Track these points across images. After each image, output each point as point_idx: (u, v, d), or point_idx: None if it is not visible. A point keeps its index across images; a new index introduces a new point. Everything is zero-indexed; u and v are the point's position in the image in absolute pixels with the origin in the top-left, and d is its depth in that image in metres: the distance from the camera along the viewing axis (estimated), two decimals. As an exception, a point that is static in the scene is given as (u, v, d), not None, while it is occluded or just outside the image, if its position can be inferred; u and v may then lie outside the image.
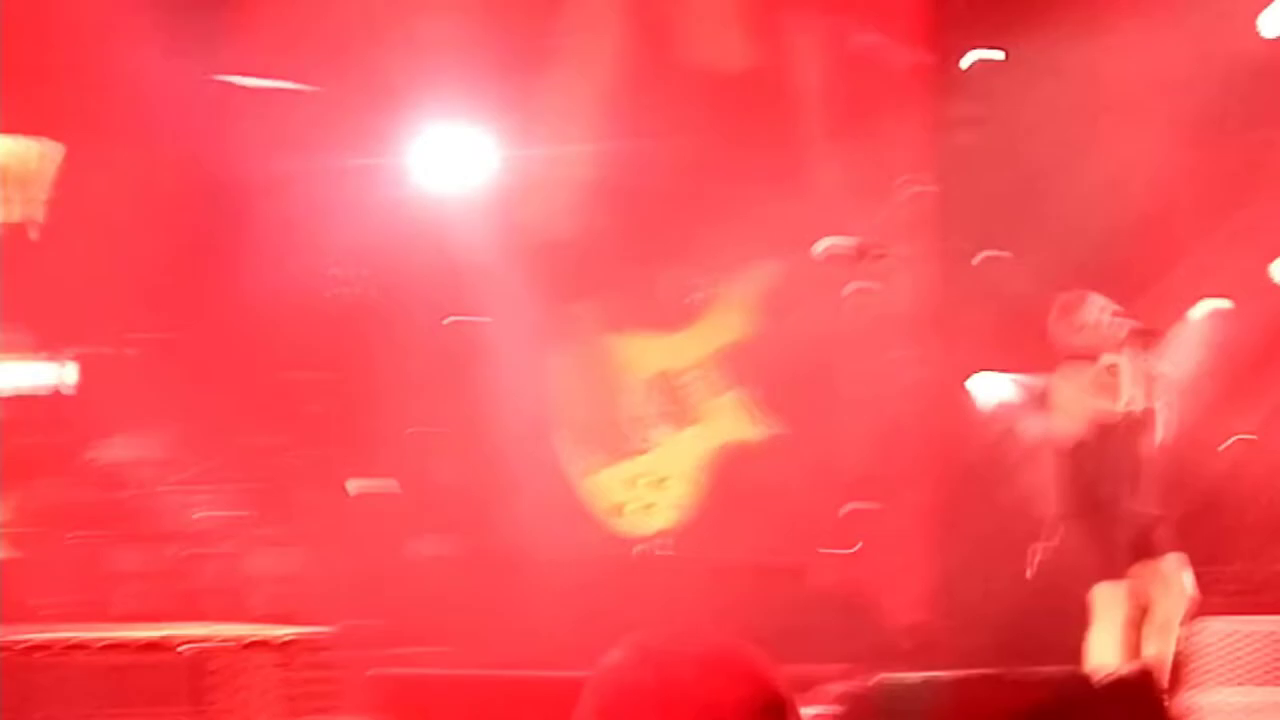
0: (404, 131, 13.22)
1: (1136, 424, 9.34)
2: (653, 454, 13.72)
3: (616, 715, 1.89)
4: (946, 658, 10.44)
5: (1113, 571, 8.87)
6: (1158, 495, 9.10)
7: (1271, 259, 12.99)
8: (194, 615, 9.67)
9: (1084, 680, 5.94)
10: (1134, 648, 8.61)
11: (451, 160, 13.31)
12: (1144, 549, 8.92)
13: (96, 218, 11.94)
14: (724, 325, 13.94)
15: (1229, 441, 13.21)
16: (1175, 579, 8.89)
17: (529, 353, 13.48)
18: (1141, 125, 12.96)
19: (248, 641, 5.97)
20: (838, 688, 7.29)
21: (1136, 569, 8.91)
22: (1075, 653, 9.20)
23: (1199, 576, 12.65)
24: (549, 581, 12.46)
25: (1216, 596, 12.09)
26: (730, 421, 13.81)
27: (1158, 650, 8.67)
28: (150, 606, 10.80)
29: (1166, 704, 6.35)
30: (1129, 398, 8.94)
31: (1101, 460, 8.96)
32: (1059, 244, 12.61)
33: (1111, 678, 6.20)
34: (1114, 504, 8.97)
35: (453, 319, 13.55)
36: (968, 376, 13.32)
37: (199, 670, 5.99)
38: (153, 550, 11.28)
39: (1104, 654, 8.59)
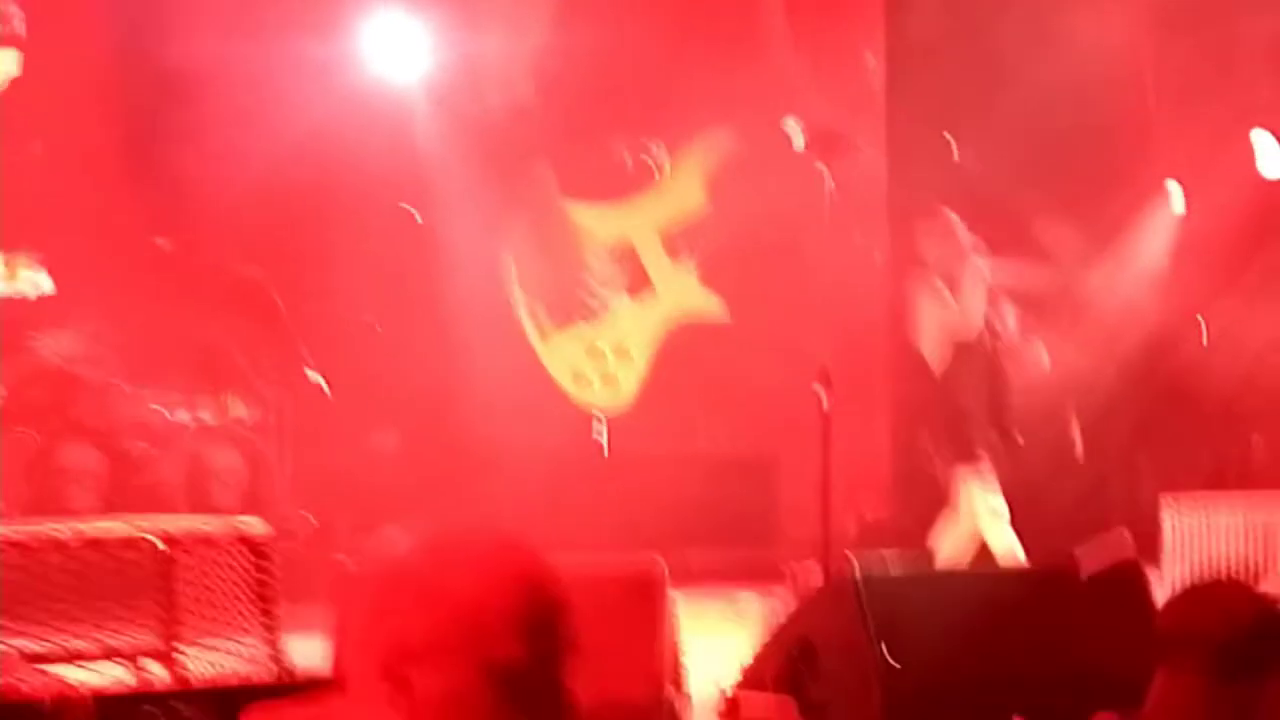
0: (349, 19, 12.98)
1: (993, 347, 9.37)
2: (613, 323, 13.71)
3: (388, 605, 1.93)
4: (912, 541, 10.42)
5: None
6: (1010, 419, 9.23)
7: (1248, 146, 12.95)
8: (153, 510, 9.51)
9: (1070, 574, 5.91)
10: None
11: (398, 46, 13.10)
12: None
13: (44, 112, 11.71)
14: (680, 194, 13.85)
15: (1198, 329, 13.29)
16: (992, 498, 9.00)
17: (486, 227, 13.36)
18: (1107, 15, 12.85)
19: (216, 534, 5.85)
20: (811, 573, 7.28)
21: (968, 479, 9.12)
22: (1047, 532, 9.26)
23: (1170, 461, 12.81)
24: (511, 469, 12.44)
25: (1185, 478, 12.21)
26: (687, 292, 13.78)
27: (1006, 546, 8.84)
28: (108, 503, 10.67)
29: (1150, 593, 6.33)
30: (976, 321, 8.90)
31: (961, 380, 9.01)
32: (1018, 135, 12.54)
33: (1097, 571, 6.18)
34: (968, 422, 9.05)
35: (405, 205, 13.38)
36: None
37: (168, 564, 5.88)
38: (107, 446, 11.10)
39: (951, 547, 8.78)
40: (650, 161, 13.80)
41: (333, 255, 13.12)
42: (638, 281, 13.88)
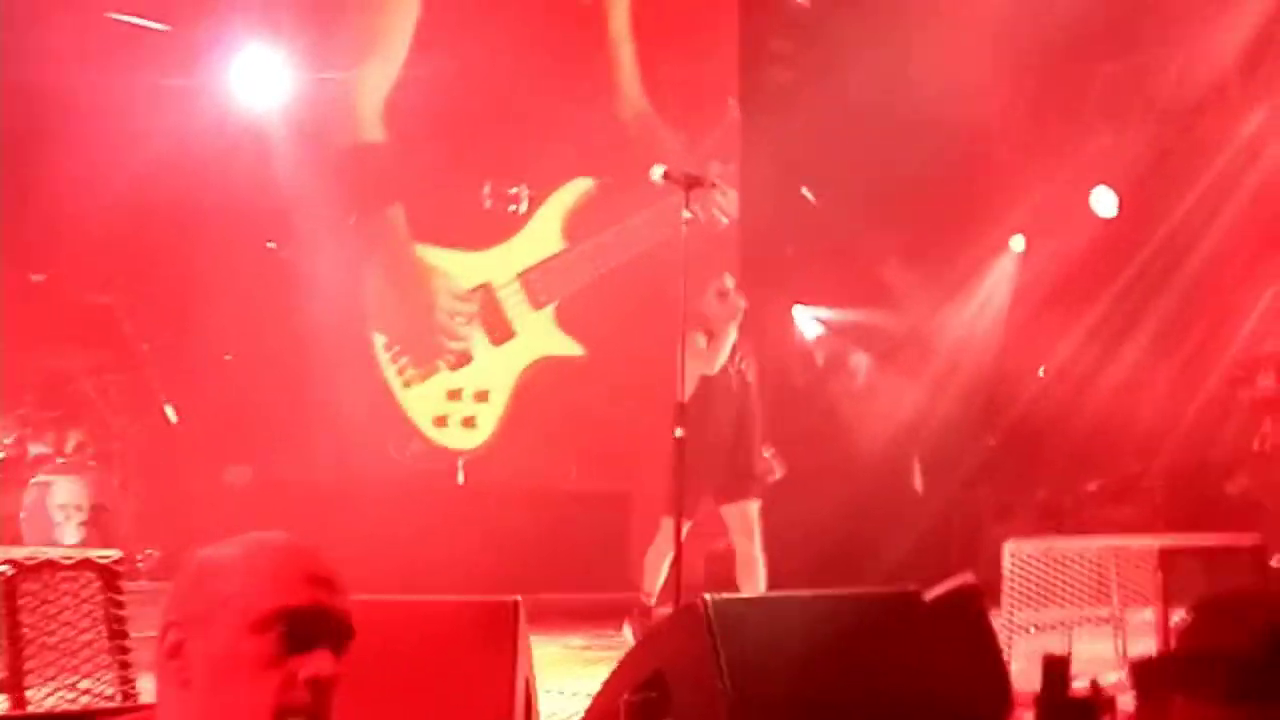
0: (213, 52, 12.92)
1: (738, 384, 9.99)
2: (473, 366, 13.74)
3: (200, 579, 2.20)
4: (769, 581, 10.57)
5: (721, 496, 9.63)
6: (756, 445, 9.86)
7: (1089, 190, 13.35)
8: (4, 541, 9.35)
9: (914, 597, 6.05)
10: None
11: (260, 80, 13.06)
12: (737, 491, 9.63)
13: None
14: (541, 239, 13.95)
15: (1038, 372, 13.63)
16: (755, 521, 9.64)
17: (345, 267, 13.35)
18: (959, 59, 13.17)
19: (62, 562, 5.77)
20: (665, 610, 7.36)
21: (728, 508, 9.68)
22: (889, 573, 9.47)
23: (1011, 503, 13.13)
24: (368, 504, 12.36)
25: (1025, 520, 12.52)
26: (546, 336, 13.87)
27: (752, 579, 9.52)
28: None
29: (987, 617, 6.52)
30: (720, 363, 9.63)
31: (708, 412, 9.48)
32: (874, 181, 12.80)
33: (939, 593, 6.34)
34: (717, 449, 9.57)
35: (269, 242, 13.31)
36: (782, 307, 13.53)
37: (12, 592, 5.78)
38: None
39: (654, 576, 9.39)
40: (513, 205, 13.89)
41: (191, 285, 13.00)
42: (497, 325, 13.93)
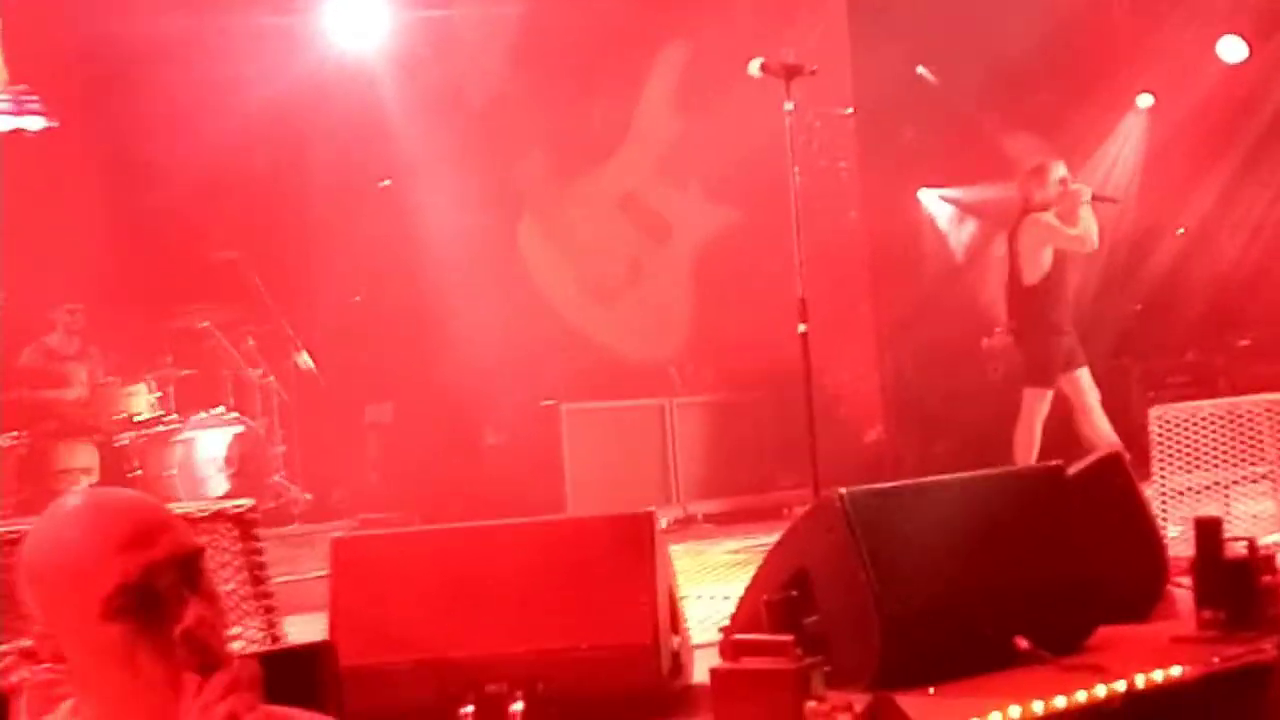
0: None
1: (1078, 263, 10.27)
2: (647, 273, 13.74)
3: (31, 586, 2.10)
4: (908, 468, 10.45)
5: (1045, 380, 9.65)
6: (1074, 317, 10.02)
7: (1211, 44, 12.89)
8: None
9: (1058, 471, 5.88)
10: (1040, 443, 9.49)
11: (361, 19, 12.98)
12: (1070, 362, 9.72)
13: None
14: (656, 125, 13.82)
15: (1178, 232, 13.25)
16: (1090, 382, 9.76)
17: (460, 197, 13.31)
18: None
19: (201, 516, 5.81)
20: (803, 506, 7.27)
21: (1063, 378, 9.73)
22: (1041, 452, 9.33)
23: (1161, 368, 12.84)
24: (509, 433, 12.43)
25: (1176, 384, 12.21)
26: (702, 215, 13.79)
27: (1105, 434, 9.46)
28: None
29: (1135, 484, 6.33)
30: (1089, 244, 9.69)
31: (1053, 294, 9.72)
32: (986, 56, 12.48)
33: (1083, 466, 6.17)
34: (1057, 327, 9.72)
35: (384, 182, 13.31)
36: (905, 192, 13.29)
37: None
38: (98, 441, 11.05)
39: (1025, 449, 9.46)
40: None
41: (309, 230, 13.07)
42: (654, 224, 13.86)
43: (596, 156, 13.82)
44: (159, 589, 2.04)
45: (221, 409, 11.67)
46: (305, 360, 12.23)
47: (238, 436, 11.58)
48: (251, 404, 12.01)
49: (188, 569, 2.08)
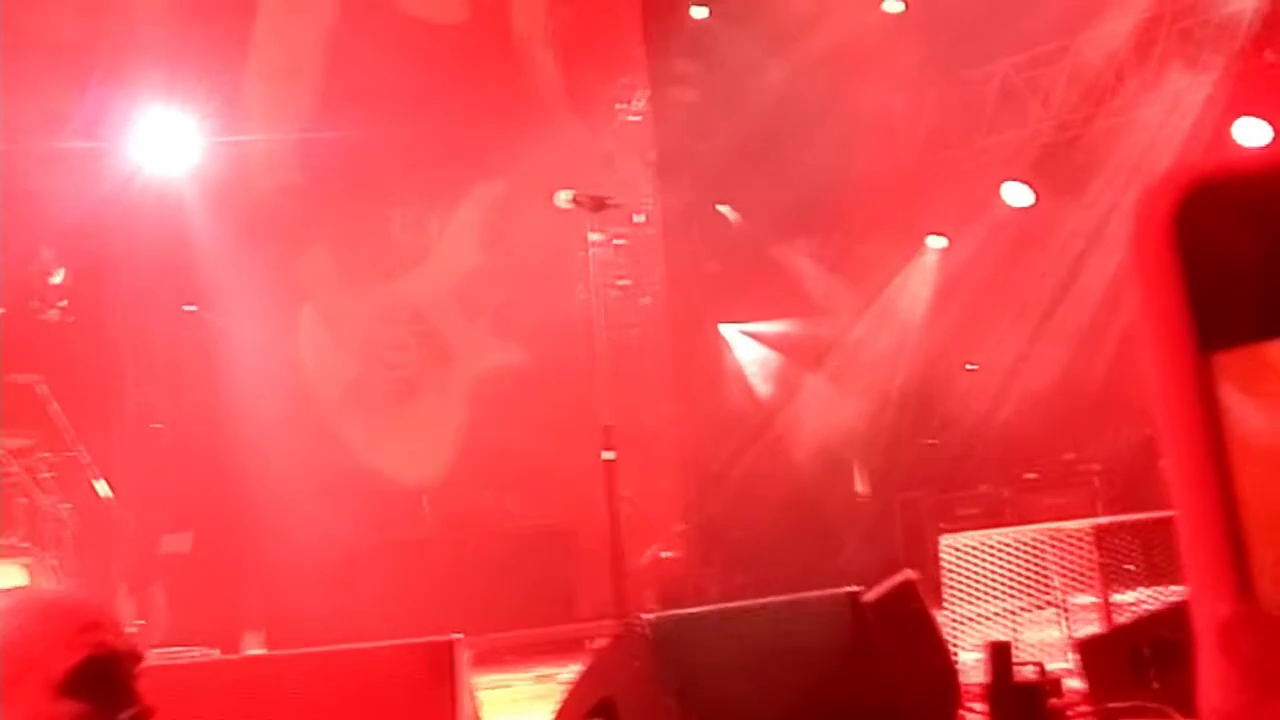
0: (117, 115, 12.78)
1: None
2: (418, 398, 13.69)
3: None
4: (710, 596, 10.57)
5: None
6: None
7: (997, 188, 13.44)
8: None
9: (855, 598, 6.04)
10: None
11: (166, 142, 12.92)
12: None
13: None
14: (459, 255, 13.92)
15: (970, 368, 13.69)
16: None
17: (263, 316, 13.21)
18: (862, 69, 13.27)
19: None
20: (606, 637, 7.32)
21: None
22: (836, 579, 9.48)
23: (952, 500, 13.17)
24: (311, 563, 12.25)
25: (968, 515, 12.55)
26: (485, 350, 13.82)
27: None
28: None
29: (928, 609, 6.51)
30: None
31: None
32: (785, 192, 12.85)
33: (879, 593, 6.33)
34: None
35: (187, 306, 13.17)
36: (707, 324, 13.58)
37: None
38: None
39: None
40: (426, 229, 13.87)
41: (110, 355, 12.85)
42: (439, 349, 13.88)
43: (390, 270, 13.87)
44: (113, 674, 2.12)
45: (10, 540, 11.31)
46: (103, 489, 11.94)
47: (29, 568, 11.22)
48: (43, 535, 11.67)
49: (133, 665, 2.17)
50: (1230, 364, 0.66)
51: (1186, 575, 0.68)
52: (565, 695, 5.85)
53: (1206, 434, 0.65)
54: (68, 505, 11.77)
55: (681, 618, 5.64)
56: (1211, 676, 0.65)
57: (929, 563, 8.89)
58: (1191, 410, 0.66)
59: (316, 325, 13.70)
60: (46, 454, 11.80)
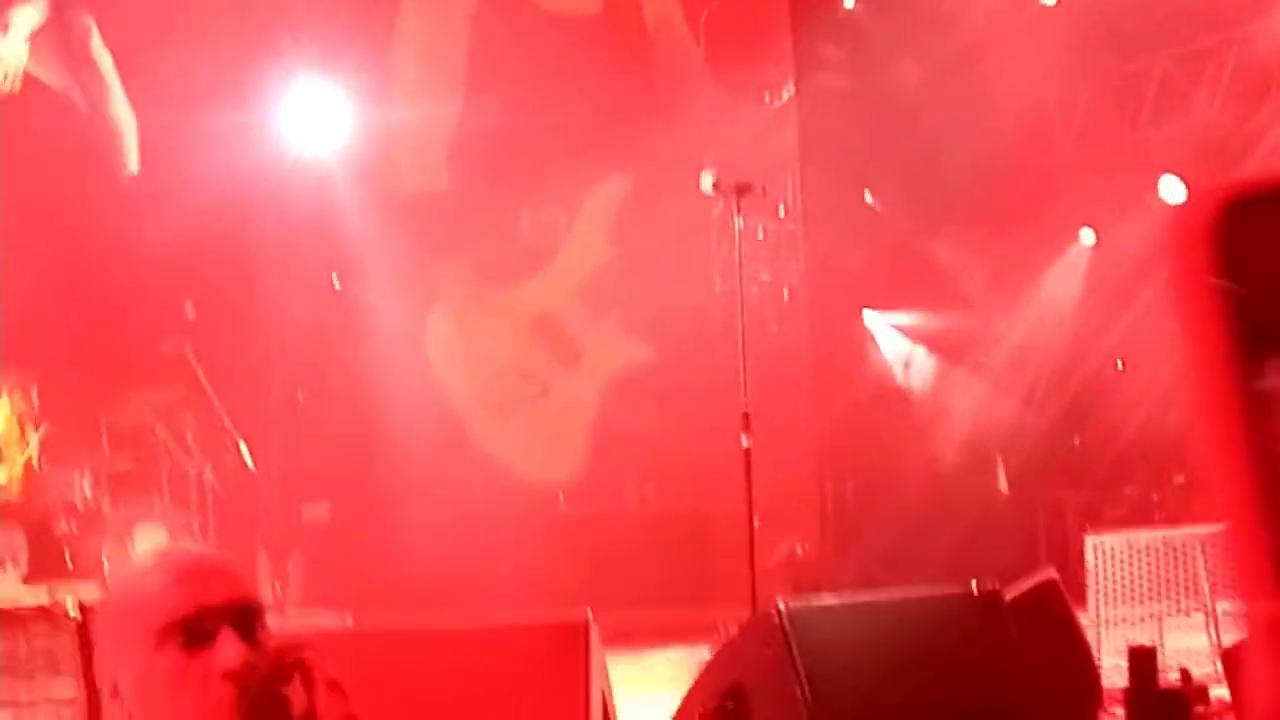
0: (269, 90, 12.96)
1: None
2: (549, 397, 13.73)
3: (105, 619, 2.26)
4: (845, 588, 10.42)
5: None
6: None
7: (1154, 183, 13.13)
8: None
9: (995, 596, 5.91)
10: None
11: (316, 119, 13.08)
12: None
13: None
14: (587, 252, 13.90)
15: (1117, 366, 13.40)
16: None
17: (407, 312, 13.35)
18: (1013, 60, 13.04)
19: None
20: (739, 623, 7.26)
21: None
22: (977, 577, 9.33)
23: (1098, 500, 12.92)
24: (447, 543, 12.34)
25: (1114, 516, 12.29)
26: (614, 347, 13.80)
27: None
28: (35, 576, 10.54)
29: (1072, 610, 6.38)
30: None
31: None
32: (932, 183, 12.69)
33: (1021, 591, 6.21)
34: None
35: (334, 279, 13.34)
36: (849, 315, 13.42)
37: (84, 632, 5.78)
38: (37, 524, 10.92)
39: None
40: (554, 227, 13.90)
41: (257, 325, 13.05)
42: (568, 349, 13.90)
43: (520, 270, 13.92)
44: (210, 629, 2.15)
45: (155, 502, 11.56)
46: (245, 453, 12.14)
47: (172, 530, 11.44)
48: (187, 498, 11.90)
49: (244, 618, 2.19)
50: (1273, 373, 0.66)
51: (1236, 579, 0.66)
52: (697, 677, 5.81)
53: (1252, 441, 0.66)
54: (210, 468, 12.00)
55: (815, 607, 5.56)
56: (1259, 674, 0.66)
57: (1071, 563, 8.71)
58: (1237, 419, 0.66)
59: (449, 327, 13.80)
60: (190, 417, 12.04)
